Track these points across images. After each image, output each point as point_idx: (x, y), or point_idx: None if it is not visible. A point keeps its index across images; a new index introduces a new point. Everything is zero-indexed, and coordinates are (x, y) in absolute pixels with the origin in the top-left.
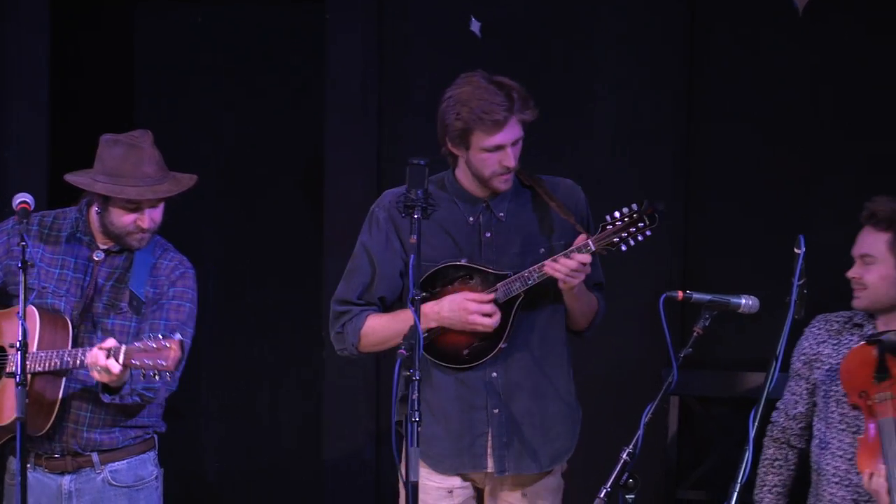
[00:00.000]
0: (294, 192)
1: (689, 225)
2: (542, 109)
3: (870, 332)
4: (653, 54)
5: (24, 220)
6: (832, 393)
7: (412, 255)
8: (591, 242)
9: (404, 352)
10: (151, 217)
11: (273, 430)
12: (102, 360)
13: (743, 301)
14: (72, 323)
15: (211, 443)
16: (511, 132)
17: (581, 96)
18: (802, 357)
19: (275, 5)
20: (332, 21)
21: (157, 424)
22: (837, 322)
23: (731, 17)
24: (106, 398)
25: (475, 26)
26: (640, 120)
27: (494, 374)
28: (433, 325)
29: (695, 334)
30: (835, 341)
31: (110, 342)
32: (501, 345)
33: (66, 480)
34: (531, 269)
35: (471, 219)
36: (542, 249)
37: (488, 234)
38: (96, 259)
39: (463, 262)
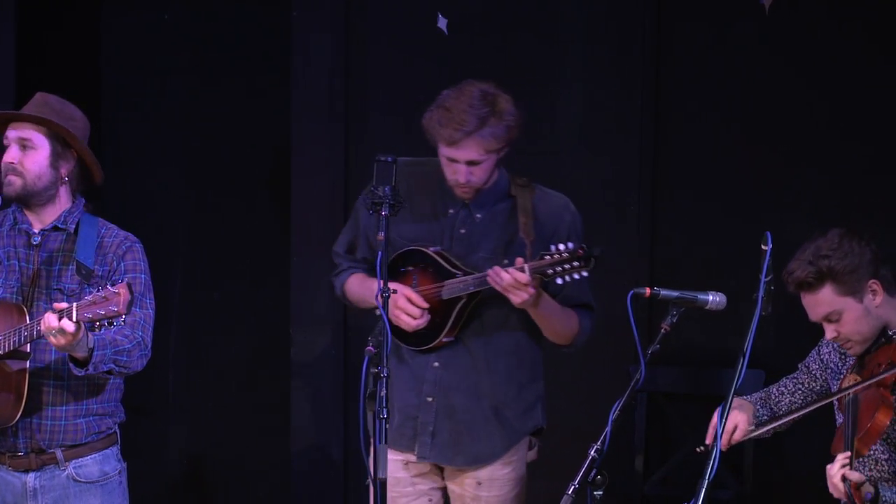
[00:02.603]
0: (261, 191)
1: (657, 221)
2: None
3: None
4: (620, 49)
5: None
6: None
7: (380, 252)
8: (525, 266)
9: (372, 349)
10: (13, 154)
11: (240, 428)
12: (55, 322)
13: (710, 298)
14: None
15: (178, 440)
16: (464, 152)
17: (548, 91)
18: (821, 363)
19: (242, 4)
20: (298, 20)
21: (116, 412)
22: None
23: (697, 10)
24: (79, 372)
25: (442, 23)
26: (608, 115)
27: (436, 364)
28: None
29: (662, 331)
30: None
31: (61, 304)
32: (443, 338)
33: (30, 478)
34: (478, 275)
35: (451, 211)
36: (506, 261)
37: (462, 231)
38: (34, 244)
39: (431, 250)
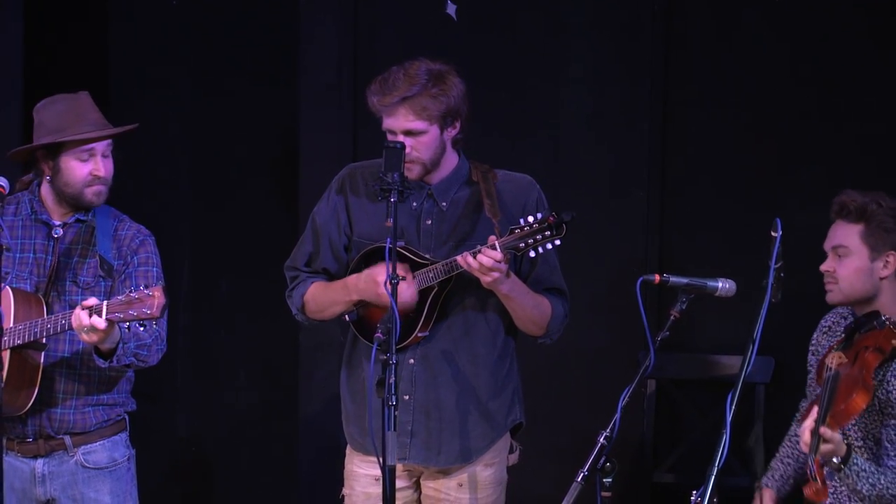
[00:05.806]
0: (269, 180)
1: (666, 208)
2: (517, 93)
3: (846, 323)
4: (628, 37)
5: (0, 205)
6: (811, 381)
7: (388, 238)
8: (497, 243)
9: (381, 335)
10: (105, 166)
11: (247, 419)
12: (86, 319)
13: (720, 284)
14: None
15: (185, 431)
16: (398, 120)
17: (555, 80)
18: (811, 347)
19: None
20: (305, 6)
21: (127, 402)
22: (837, 314)
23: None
24: (102, 363)
25: (451, 9)
26: (615, 103)
27: (412, 361)
28: (354, 297)
29: (672, 317)
30: (832, 334)
31: (91, 301)
32: (419, 333)
33: (39, 464)
34: (446, 261)
35: (414, 204)
36: (479, 246)
37: (429, 222)
38: (55, 236)
39: (398, 244)
